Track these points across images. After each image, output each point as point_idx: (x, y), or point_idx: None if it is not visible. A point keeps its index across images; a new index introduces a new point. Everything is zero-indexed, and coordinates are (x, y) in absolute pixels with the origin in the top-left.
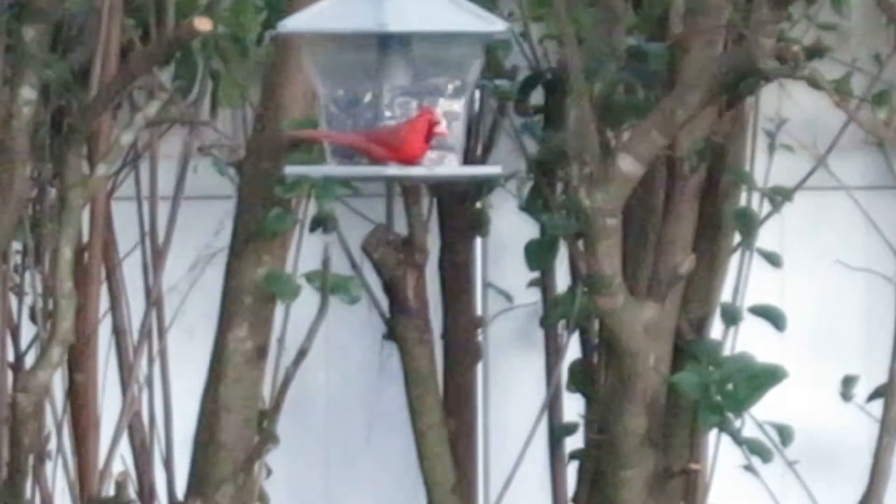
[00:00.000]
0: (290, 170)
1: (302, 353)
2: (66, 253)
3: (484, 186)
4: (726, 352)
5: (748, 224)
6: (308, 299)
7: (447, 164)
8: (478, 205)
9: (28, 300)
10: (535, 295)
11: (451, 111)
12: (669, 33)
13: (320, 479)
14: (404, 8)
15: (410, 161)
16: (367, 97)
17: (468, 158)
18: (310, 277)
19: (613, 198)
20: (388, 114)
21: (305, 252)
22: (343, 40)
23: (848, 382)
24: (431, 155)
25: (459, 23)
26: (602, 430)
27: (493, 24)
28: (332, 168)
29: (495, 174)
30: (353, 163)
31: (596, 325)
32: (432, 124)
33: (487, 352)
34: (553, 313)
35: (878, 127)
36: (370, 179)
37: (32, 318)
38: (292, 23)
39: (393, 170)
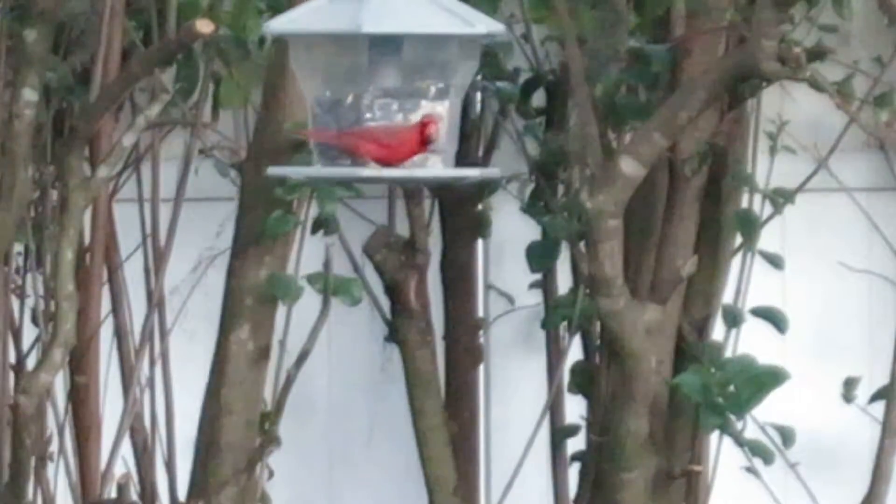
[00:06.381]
0: (272, 170)
1: (303, 355)
2: (68, 255)
3: (485, 188)
4: (728, 353)
5: (750, 226)
6: (310, 301)
7: (429, 167)
8: (479, 207)
9: (30, 302)
10: (536, 297)
11: (434, 114)
12: (671, 35)
13: (322, 481)
14: (389, 10)
15: (399, 161)
16: (350, 98)
17: (470, 160)
18: (311, 279)
19: (615, 199)
20: (368, 115)
21: (307, 254)
22: (329, 41)
23: (850, 384)
24: (415, 157)
25: (442, 25)
26: (604, 431)
27: (477, 27)
28: (315, 169)
29: (475, 176)
30: (335, 164)
31: (597, 326)
32: (430, 131)
33: (489, 353)
34: (555, 315)
35: (880, 128)
36: (350, 181)
37: (34, 319)
38: (277, 24)
39: (370, 171)
